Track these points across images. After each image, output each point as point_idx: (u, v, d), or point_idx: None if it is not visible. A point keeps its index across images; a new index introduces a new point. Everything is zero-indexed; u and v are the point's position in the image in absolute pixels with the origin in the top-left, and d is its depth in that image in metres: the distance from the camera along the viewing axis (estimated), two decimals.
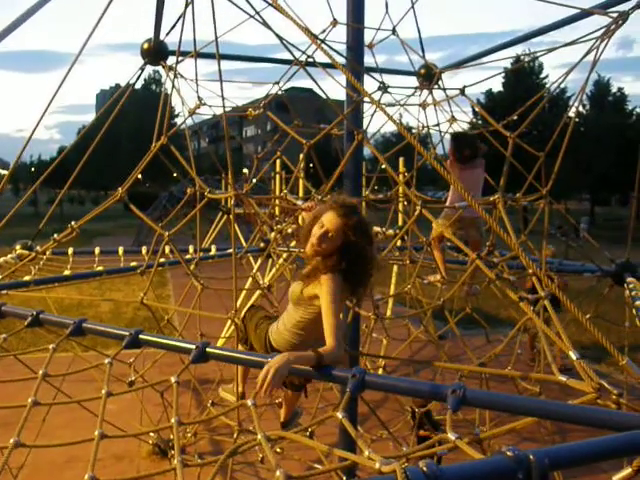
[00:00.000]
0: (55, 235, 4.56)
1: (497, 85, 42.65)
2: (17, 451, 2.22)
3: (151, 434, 5.24)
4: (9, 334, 3.08)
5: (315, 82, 3.90)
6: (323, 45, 3.37)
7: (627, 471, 1.83)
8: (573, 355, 2.40)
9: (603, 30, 3.68)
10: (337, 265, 2.51)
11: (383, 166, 3.81)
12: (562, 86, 39.91)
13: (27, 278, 4.51)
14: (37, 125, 4.57)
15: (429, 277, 5.87)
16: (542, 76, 40.83)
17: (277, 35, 3.76)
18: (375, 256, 2.66)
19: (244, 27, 5.08)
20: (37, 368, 2.66)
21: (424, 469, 1.39)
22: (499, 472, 1.44)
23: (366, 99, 3.53)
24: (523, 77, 39.25)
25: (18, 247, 5.36)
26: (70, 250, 5.65)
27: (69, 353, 6.80)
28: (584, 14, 4.24)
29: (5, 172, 5.25)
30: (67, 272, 4.91)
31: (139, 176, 4.74)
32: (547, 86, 33.40)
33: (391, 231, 6.99)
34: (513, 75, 39.52)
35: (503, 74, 40.49)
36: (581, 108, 37.66)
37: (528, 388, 4.51)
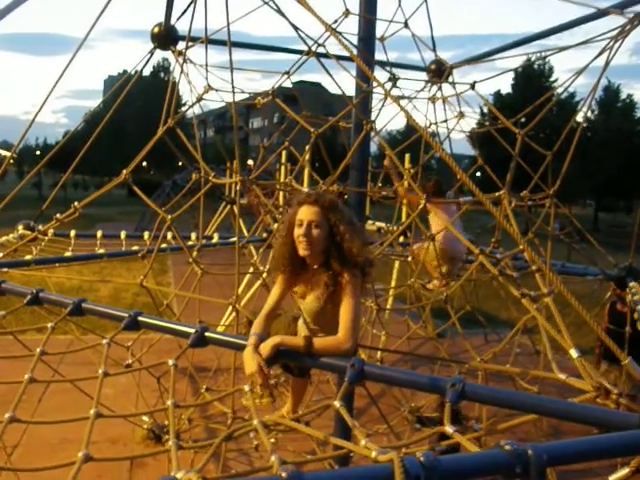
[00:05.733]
0: (57, 215, 4.55)
1: (506, 87, 42.65)
2: (12, 430, 2.21)
3: (145, 418, 5.24)
4: (8, 311, 3.07)
5: (327, 71, 3.88)
6: (336, 34, 3.34)
7: (624, 471, 1.82)
8: (574, 353, 2.38)
9: (618, 30, 3.65)
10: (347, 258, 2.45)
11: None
12: (571, 90, 39.85)
13: (28, 257, 4.50)
14: (41, 108, 4.55)
15: (428, 285, 5.92)
16: (552, 79, 40.73)
17: (290, 23, 3.74)
18: (364, 233, 2.61)
19: (252, 18, 5.06)
20: (35, 349, 2.65)
21: (421, 459, 1.38)
22: (497, 465, 1.43)
23: (376, 90, 3.50)
24: (532, 79, 39.12)
25: (20, 227, 5.35)
26: (72, 232, 5.64)
27: (68, 335, 6.80)
28: (598, 14, 4.20)
29: (8, 153, 5.23)
30: (68, 254, 4.90)
31: (144, 163, 4.74)
32: (557, 86, 33.22)
33: (395, 227, 6.98)
34: (522, 77, 39.43)
35: (513, 76, 40.44)
36: (589, 113, 37.52)
37: (527, 388, 4.49)
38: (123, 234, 5.89)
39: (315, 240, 2.46)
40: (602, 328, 5.84)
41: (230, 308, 4.24)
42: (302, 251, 2.49)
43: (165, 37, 5.05)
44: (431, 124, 5.98)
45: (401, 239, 7.13)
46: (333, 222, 2.46)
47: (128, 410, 4.91)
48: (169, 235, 5.43)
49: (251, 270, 5.13)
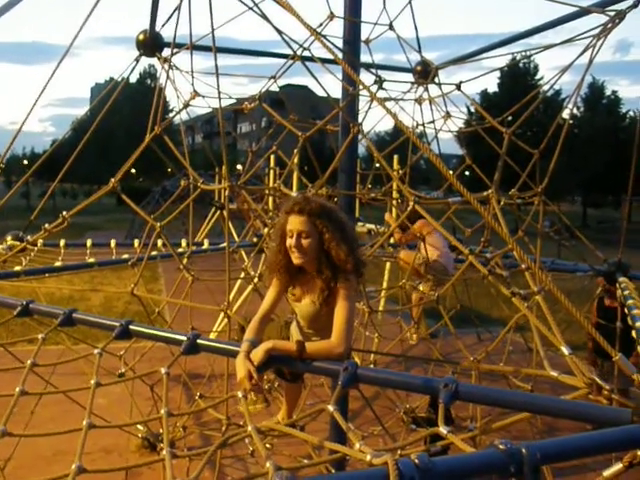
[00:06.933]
0: (46, 225, 4.52)
1: (493, 86, 42.92)
2: (4, 443, 2.19)
3: (140, 427, 5.21)
4: None
5: (313, 75, 3.89)
6: (321, 38, 3.34)
7: (618, 467, 1.83)
8: (565, 350, 2.39)
9: (600, 28, 3.69)
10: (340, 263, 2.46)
11: (377, 164, 3.81)
12: (557, 88, 40.10)
13: (17, 268, 4.47)
14: (27, 117, 4.53)
15: (419, 287, 5.94)
16: (537, 77, 41.02)
17: (275, 27, 3.73)
18: (355, 233, 2.64)
19: (237, 22, 5.07)
20: (26, 360, 2.63)
21: (416, 461, 1.38)
22: (491, 465, 1.44)
23: (362, 93, 3.51)
24: (518, 78, 39.37)
25: (9, 238, 5.32)
26: (62, 242, 5.61)
27: (59, 346, 6.75)
28: (581, 13, 4.24)
29: None
30: (58, 263, 4.87)
31: (132, 170, 4.73)
32: (542, 84, 33.44)
33: (384, 228, 6.99)
34: (508, 76, 39.68)
35: (499, 75, 40.70)
36: (575, 110, 37.79)
37: (520, 386, 4.52)
38: (113, 242, 5.86)
39: (306, 250, 2.48)
40: (592, 323, 5.90)
41: (222, 314, 4.24)
42: (296, 260, 2.52)
43: (150, 44, 5.04)
44: (418, 125, 6.00)
45: (392, 240, 7.14)
46: (320, 229, 2.47)
47: (122, 419, 4.88)
48: (159, 242, 5.41)
49: (242, 275, 5.12)
